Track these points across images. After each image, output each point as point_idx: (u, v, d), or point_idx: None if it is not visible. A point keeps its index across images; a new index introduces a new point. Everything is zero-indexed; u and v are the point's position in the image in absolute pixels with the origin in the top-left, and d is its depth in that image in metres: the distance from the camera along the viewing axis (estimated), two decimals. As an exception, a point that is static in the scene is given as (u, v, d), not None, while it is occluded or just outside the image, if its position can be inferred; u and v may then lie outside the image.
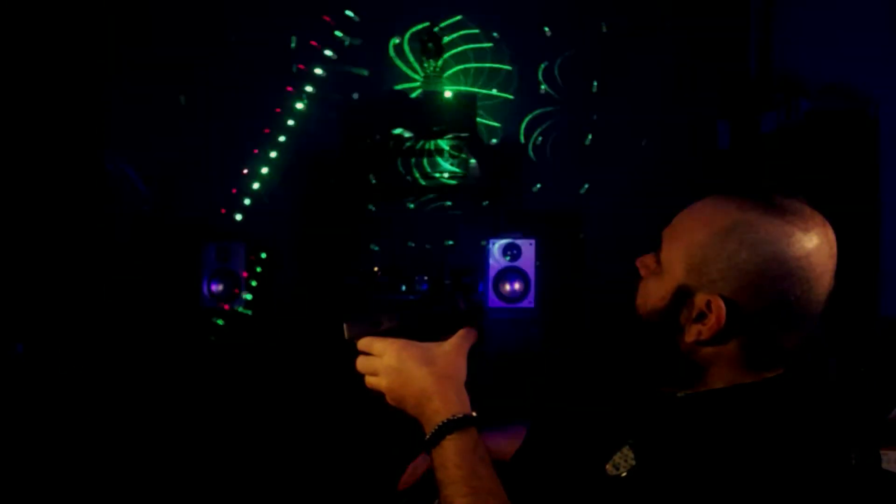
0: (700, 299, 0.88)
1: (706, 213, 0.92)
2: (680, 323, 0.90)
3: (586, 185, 3.40)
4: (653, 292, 0.94)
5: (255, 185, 3.42)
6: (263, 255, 3.28)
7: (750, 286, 0.86)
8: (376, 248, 3.40)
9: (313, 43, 3.39)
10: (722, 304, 0.86)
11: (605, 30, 3.34)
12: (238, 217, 3.37)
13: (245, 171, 3.41)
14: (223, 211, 3.38)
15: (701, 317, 0.88)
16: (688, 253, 0.90)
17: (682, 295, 0.90)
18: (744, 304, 0.86)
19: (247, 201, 3.40)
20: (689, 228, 0.92)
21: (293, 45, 3.40)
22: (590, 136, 3.38)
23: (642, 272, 0.98)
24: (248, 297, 3.16)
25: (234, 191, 3.40)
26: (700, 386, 0.92)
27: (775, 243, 0.85)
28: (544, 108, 3.46)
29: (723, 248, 0.87)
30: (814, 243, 0.86)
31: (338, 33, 3.39)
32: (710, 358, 0.90)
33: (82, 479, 2.48)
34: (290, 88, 3.39)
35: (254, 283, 3.18)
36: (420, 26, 3.40)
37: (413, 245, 3.47)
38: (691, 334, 0.89)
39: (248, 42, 3.46)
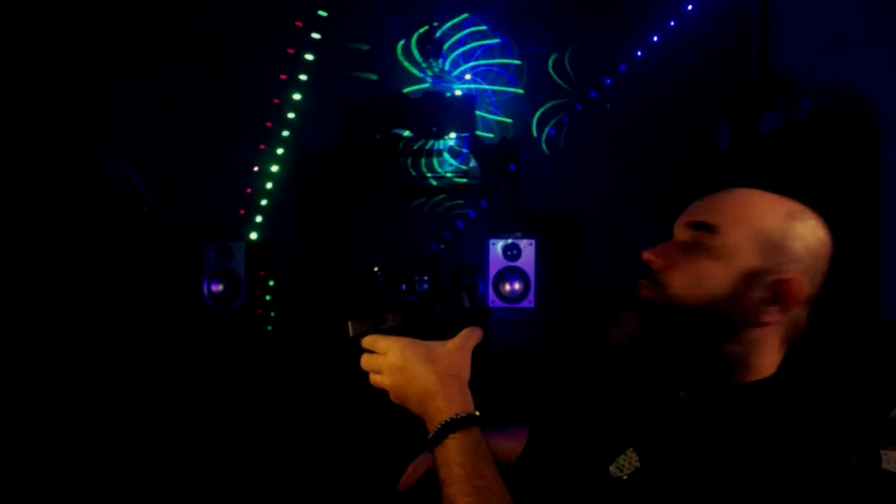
0: (774, 279, 0.90)
1: (761, 200, 0.94)
2: (750, 306, 0.90)
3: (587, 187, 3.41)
4: (709, 277, 0.91)
5: (269, 185, 3.42)
6: (266, 255, 3.29)
7: (812, 268, 0.91)
8: (378, 245, 3.41)
9: (298, 24, 3.38)
10: (801, 281, 0.89)
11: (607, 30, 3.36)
12: (259, 218, 3.37)
13: (256, 167, 3.41)
14: (242, 212, 3.39)
15: (772, 298, 0.90)
16: (760, 236, 0.91)
17: (754, 277, 0.90)
18: (808, 284, 0.91)
19: (263, 201, 3.40)
20: (755, 214, 0.93)
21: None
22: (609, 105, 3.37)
23: (661, 263, 0.94)
24: (268, 297, 3.19)
25: (249, 190, 3.40)
26: (744, 369, 0.92)
27: (821, 230, 0.93)
28: (543, 108, 3.46)
29: (792, 231, 0.91)
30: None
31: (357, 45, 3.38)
32: (765, 338, 0.91)
33: (83, 479, 2.48)
34: (283, 77, 3.38)
35: (271, 283, 3.20)
36: (424, 29, 3.41)
37: (413, 245, 3.47)
38: (765, 315, 0.90)
39: (253, 41, 3.47)
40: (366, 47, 3.45)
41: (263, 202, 3.42)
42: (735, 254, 0.91)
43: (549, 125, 3.49)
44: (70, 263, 3.13)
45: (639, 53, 3.36)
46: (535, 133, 3.49)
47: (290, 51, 3.40)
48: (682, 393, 0.94)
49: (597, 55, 3.38)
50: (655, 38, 3.36)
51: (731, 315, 0.90)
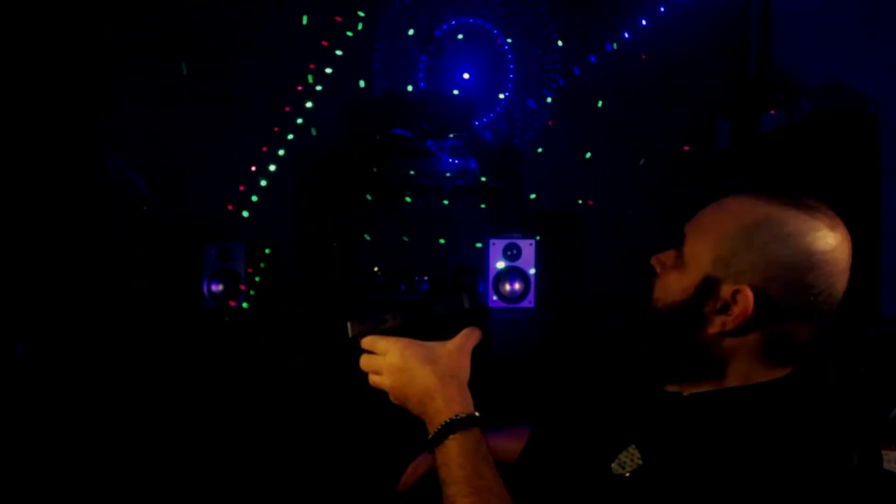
0: (726, 290, 0.89)
1: (734, 208, 0.93)
2: (704, 314, 0.91)
3: (580, 201, 3.41)
4: (674, 285, 0.94)
5: (263, 183, 3.41)
6: (267, 251, 3.28)
7: (779, 278, 0.88)
8: (367, 237, 3.40)
9: (324, 43, 3.39)
10: (750, 293, 0.87)
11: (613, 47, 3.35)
12: (245, 214, 3.36)
13: (253, 168, 3.40)
14: (230, 207, 3.37)
15: (725, 308, 0.89)
16: (715, 245, 0.91)
17: (708, 286, 0.91)
18: (771, 296, 0.88)
19: (254, 198, 3.39)
20: (717, 222, 0.93)
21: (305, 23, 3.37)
22: (588, 154, 3.39)
23: (658, 269, 0.98)
24: (252, 292, 3.17)
25: (242, 188, 3.39)
26: (719, 378, 0.92)
27: (804, 237, 0.87)
28: (546, 110, 3.46)
29: (752, 240, 0.89)
30: (838, 240, 0.89)
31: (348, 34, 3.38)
32: (731, 350, 0.91)
33: (84, 479, 2.48)
34: (299, 88, 3.38)
35: (257, 279, 3.18)
36: (424, 27, 3.40)
37: (413, 245, 3.46)
38: (715, 325, 0.90)
39: (253, 41, 3.47)
40: (360, 24, 3.43)
41: (254, 199, 3.41)
42: (691, 263, 0.93)
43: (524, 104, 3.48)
44: (70, 263, 3.13)
45: (626, 35, 3.33)
46: (536, 134, 3.49)
47: (312, 65, 3.40)
48: (686, 391, 0.94)
49: (599, 64, 3.38)
50: (644, 22, 3.32)
51: (684, 322, 0.92)
